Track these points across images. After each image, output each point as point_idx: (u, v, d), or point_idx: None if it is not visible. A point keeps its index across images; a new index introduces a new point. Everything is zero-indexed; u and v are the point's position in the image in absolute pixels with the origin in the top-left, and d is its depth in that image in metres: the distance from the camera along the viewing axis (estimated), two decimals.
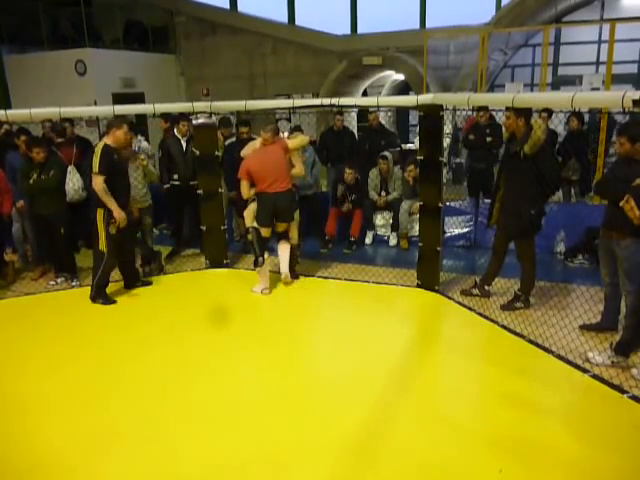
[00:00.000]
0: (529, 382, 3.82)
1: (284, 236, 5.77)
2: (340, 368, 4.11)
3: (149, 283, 5.94)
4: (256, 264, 5.58)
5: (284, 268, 5.77)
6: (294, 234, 5.86)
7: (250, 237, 5.67)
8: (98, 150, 5.21)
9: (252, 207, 5.65)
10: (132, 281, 5.82)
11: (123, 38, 13.72)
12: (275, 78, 13.69)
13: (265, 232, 5.59)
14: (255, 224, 5.59)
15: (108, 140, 5.35)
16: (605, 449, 3.07)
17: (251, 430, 3.33)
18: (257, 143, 5.66)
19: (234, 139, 6.98)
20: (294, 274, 5.93)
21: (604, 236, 4.18)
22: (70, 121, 7.04)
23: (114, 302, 5.46)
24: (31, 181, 5.68)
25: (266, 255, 5.60)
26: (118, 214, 5.26)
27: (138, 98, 12.34)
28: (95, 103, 11.30)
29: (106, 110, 5.99)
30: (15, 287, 6.01)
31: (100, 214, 5.28)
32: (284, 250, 5.77)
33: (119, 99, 11.64)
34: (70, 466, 3.07)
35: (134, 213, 5.74)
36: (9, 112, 5.76)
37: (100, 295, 5.45)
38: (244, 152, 5.71)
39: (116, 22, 13.69)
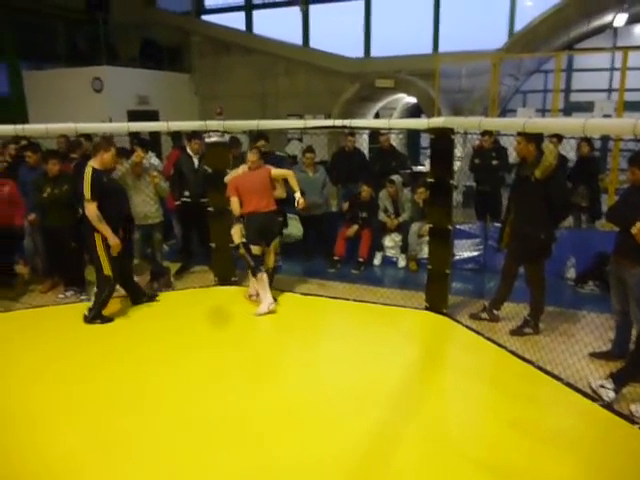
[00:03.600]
0: (537, 409, 3.77)
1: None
2: (345, 389, 4.08)
3: (154, 297, 5.95)
4: (255, 272, 5.57)
5: (261, 308, 5.51)
6: (270, 259, 5.84)
7: (242, 252, 5.72)
8: (87, 176, 5.04)
9: (238, 226, 5.75)
10: (137, 296, 5.82)
11: (139, 56, 13.95)
12: (287, 98, 13.81)
13: (256, 250, 5.62)
14: (244, 239, 5.66)
15: (95, 163, 5.16)
16: None
17: (252, 449, 3.31)
18: (240, 170, 5.78)
19: None
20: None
21: (615, 263, 4.15)
22: (88, 137, 7.10)
23: (111, 320, 5.37)
24: (45, 194, 5.74)
25: (262, 267, 5.60)
26: (113, 241, 5.15)
27: (152, 115, 12.50)
28: (110, 120, 11.45)
29: (121, 127, 6.07)
30: (24, 299, 6.04)
31: (99, 239, 5.16)
32: (260, 285, 5.56)
33: (134, 116, 11.79)
34: (75, 476, 3.06)
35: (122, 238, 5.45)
36: (26, 127, 5.85)
37: (98, 316, 5.32)
38: (227, 177, 5.84)
39: (132, 41, 13.93)
